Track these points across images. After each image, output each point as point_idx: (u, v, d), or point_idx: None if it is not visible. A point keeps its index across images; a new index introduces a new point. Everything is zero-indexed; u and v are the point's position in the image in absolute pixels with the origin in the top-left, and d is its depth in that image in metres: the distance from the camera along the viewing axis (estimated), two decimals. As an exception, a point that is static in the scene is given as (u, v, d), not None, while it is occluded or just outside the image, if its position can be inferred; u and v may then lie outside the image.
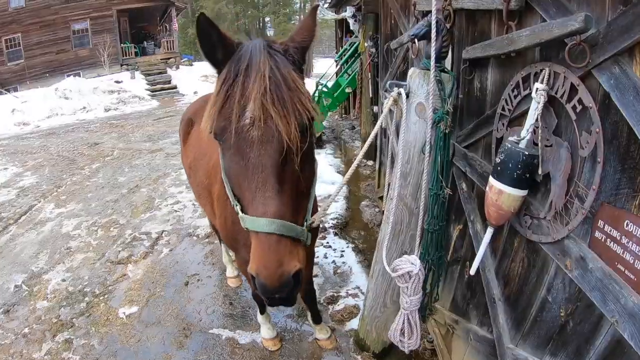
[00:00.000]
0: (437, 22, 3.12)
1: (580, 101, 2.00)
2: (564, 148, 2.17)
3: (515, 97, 2.57)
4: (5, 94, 22.65)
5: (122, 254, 6.56)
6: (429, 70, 3.08)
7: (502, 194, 2.42)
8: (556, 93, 2.16)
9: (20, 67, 28.58)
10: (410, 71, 3.32)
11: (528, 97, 2.40)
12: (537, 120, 2.25)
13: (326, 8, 15.04)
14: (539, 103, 2.22)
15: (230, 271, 5.64)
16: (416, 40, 3.51)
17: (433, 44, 3.06)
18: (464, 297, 3.66)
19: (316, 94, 13.01)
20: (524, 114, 2.44)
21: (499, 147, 2.66)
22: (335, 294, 5.38)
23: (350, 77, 12.14)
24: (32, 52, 28.84)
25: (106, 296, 5.56)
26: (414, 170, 3.43)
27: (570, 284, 2.19)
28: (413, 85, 3.26)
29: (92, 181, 10.14)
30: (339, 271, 5.90)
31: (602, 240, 1.92)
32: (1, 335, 4.97)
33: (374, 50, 9.41)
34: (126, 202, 8.75)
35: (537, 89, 2.23)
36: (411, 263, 2.99)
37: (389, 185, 3.89)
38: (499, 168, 2.41)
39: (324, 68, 15.19)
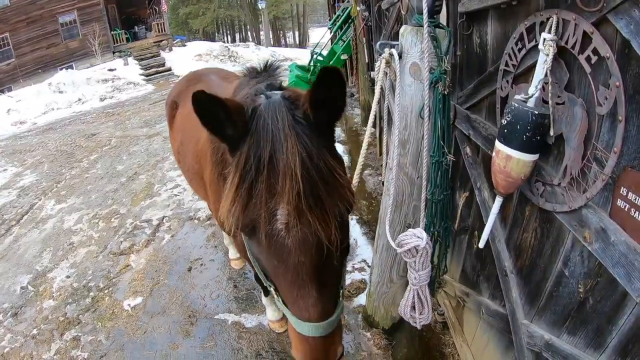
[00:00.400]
0: None
1: (595, 51, 1.77)
2: (579, 105, 1.94)
3: (519, 50, 2.35)
4: (-1, 94, 22.52)
5: (124, 245, 6.48)
6: (421, 26, 2.80)
7: (510, 160, 2.21)
8: (566, 43, 1.93)
9: (12, 66, 28.40)
10: (402, 29, 3.03)
11: (534, 49, 2.19)
12: (546, 75, 2.04)
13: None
14: (547, 55, 1.99)
15: (233, 253, 5.52)
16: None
17: None
18: (474, 269, 3.51)
19: (311, 64, 12.77)
20: (531, 69, 2.23)
21: (504, 107, 2.42)
22: (342, 269, 5.23)
23: (345, 43, 11.88)
24: (22, 49, 28.65)
25: (110, 289, 5.49)
26: (413, 137, 3.20)
27: (590, 258, 1.99)
28: (405, 44, 2.98)
29: (91, 173, 10.02)
30: (344, 245, 5.75)
31: (625, 209, 1.70)
32: (11, 339, 4.94)
33: (366, 13, 9.05)
34: (126, 190, 8.64)
35: (544, 39, 2.00)
36: (417, 237, 2.75)
37: (387, 154, 3.68)
38: (505, 130, 2.20)
39: (319, 37, 14.82)
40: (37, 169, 11.10)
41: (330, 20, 16.28)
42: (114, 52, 30.02)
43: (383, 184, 3.64)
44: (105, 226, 7.23)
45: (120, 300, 5.25)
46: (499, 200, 2.55)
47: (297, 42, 65.84)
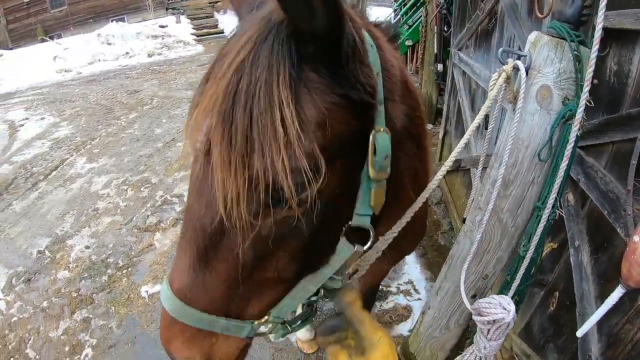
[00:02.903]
0: None
1: None
2: None
3: None
4: (48, 41, 22.50)
5: (150, 220, 6.05)
6: (564, 39, 2.10)
7: None
8: None
9: (64, 13, 28.50)
10: (533, 36, 2.21)
11: None
12: None
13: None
14: None
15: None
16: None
17: None
18: (543, 331, 3.06)
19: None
20: None
21: None
22: (385, 288, 4.67)
23: (412, 29, 11.12)
24: (75, -3, 28.69)
25: (129, 269, 5.10)
26: (520, 179, 2.48)
27: None
28: (538, 59, 2.16)
29: (128, 133, 9.67)
30: (391, 260, 5.16)
31: None
32: (20, 307, 4.72)
33: (442, 0, 8.35)
34: (160, 157, 8.22)
35: None
36: (503, 308, 2.09)
37: (476, 191, 2.98)
38: None
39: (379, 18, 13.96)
40: (74, 121, 10.84)
41: (396, 1, 15.36)
42: (167, 9, 29.92)
43: (464, 220, 2.93)
44: (134, 195, 6.83)
45: (138, 284, 4.85)
46: (620, 292, 1.95)
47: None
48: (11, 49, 24.77)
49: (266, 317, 1.34)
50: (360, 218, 1.30)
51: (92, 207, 6.53)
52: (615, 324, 2.26)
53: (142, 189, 7.03)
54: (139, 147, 8.81)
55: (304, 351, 3.93)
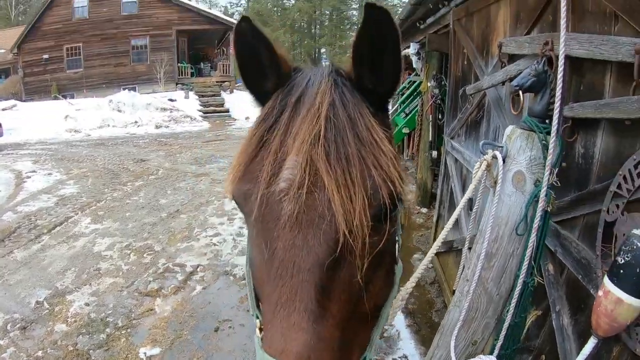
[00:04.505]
0: (544, 72, 2.67)
1: None
2: None
3: (639, 175, 2.08)
4: (60, 99, 23.08)
5: (152, 285, 6.16)
6: (533, 131, 2.56)
7: (621, 304, 1.90)
8: None
9: (79, 75, 29.72)
10: (509, 130, 2.76)
11: None
12: None
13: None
14: None
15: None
16: (521, 92, 2.99)
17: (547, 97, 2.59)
18: None
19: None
20: None
21: (607, 233, 2.23)
22: (380, 362, 4.81)
23: (409, 117, 11.69)
24: (91, 62, 30.12)
25: (128, 330, 5.16)
26: (502, 252, 2.86)
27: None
28: (512, 149, 2.67)
29: (133, 200, 9.91)
30: (385, 334, 5.26)
31: None
32: (13, 353, 4.72)
33: (437, 91, 8.99)
34: (164, 227, 8.41)
35: None
36: None
37: (464, 265, 3.32)
38: (621, 271, 1.90)
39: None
40: (80, 181, 11.09)
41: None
42: (177, 84, 30.91)
43: (454, 292, 3.26)
44: (136, 260, 6.97)
45: (136, 345, 4.91)
46: (593, 342, 2.22)
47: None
48: (24, 101, 25.45)
49: None
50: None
51: (94, 267, 6.63)
52: (597, 377, 2.41)
53: (144, 255, 7.16)
54: (143, 214, 9.00)
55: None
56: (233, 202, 1.24)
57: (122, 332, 5.13)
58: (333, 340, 1.06)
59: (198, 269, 6.76)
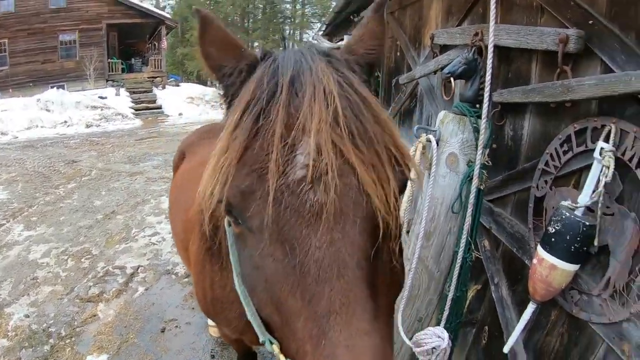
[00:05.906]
0: (474, 60, 2.88)
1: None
2: (630, 220, 1.89)
3: (565, 152, 2.31)
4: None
5: (92, 290, 6.06)
6: (464, 115, 2.76)
7: (554, 270, 2.13)
8: (623, 155, 1.90)
9: (4, 73, 28.19)
10: (441, 115, 2.93)
11: (582, 154, 2.19)
12: (602, 186, 1.95)
13: (321, 36, 14.71)
14: (607, 167, 1.91)
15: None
16: (452, 79, 3.17)
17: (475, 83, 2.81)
18: None
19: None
20: (575, 173, 2.25)
21: (537, 207, 2.48)
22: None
23: None
24: (17, 59, 28.62)
25: (73, 339, 5.07)
26: (439, 230, 3.03)
27: (627, 371, 1.91)
28: (445, 132, 2.84)
29: (66, 203, 9.62)
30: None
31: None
32: None
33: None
34: (101, 229, 8.24)
35: (602, 149, 1.95)
36: (438, 336, 2.52)
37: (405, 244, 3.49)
38: (552, 240, 2.12)
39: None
40: (10, 186, 10.69)
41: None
42: (107, 80, 30.08)
43: None
44: (75, 266, 6.81)
45: (82, 354, 4.83)
46: (532, 307, 2.44)
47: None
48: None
49: None
50: None
51: (31, 276, 6.44)
52: (538, 340, 2.62)
53: (82, 259, 7.01)
54: (78, 217, 8.78)
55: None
56: (223, 210, 1.12)
57: (67, 341, 5.03)
58: (390, 336, 1.02)
59: (139, 270, 6.68)
